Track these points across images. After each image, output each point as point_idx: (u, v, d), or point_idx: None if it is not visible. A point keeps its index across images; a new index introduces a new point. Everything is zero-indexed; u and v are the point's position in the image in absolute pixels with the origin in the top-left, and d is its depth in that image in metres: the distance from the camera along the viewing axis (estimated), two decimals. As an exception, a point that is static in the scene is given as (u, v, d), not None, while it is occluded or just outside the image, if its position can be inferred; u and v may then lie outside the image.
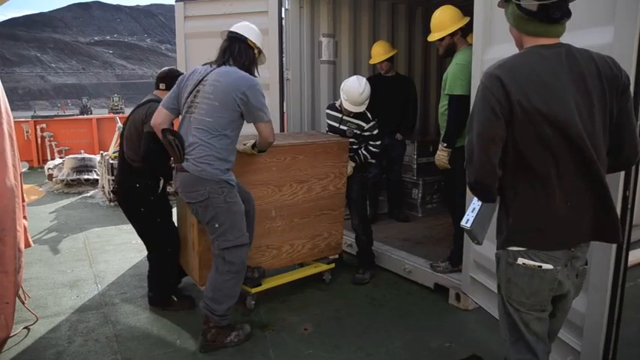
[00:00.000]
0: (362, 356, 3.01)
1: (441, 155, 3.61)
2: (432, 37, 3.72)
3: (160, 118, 3.01)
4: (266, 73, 4.95)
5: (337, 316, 3.54)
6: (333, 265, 4.11)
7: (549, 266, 1.78)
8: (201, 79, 2.95)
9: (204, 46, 5.03)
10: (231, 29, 3.09)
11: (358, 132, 4.04)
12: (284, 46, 5.10)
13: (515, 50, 1.89)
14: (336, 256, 4.19)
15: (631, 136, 1.78)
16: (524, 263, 1.81)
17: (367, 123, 4.03)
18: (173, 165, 3.03)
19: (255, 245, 3.52)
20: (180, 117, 3.05)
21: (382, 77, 5.13)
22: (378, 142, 4.11)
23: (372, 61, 5.15)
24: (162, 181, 3.45)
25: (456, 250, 3.67)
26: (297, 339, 3.22)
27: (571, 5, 1.77)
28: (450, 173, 3.64)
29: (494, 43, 3.15)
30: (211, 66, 3.01)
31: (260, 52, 3.15)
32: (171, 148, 2.91)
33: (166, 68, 3.71)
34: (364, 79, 3.97)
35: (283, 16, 5.09)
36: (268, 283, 3.69)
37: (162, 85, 3.49)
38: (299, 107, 5.42)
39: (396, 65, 6.23)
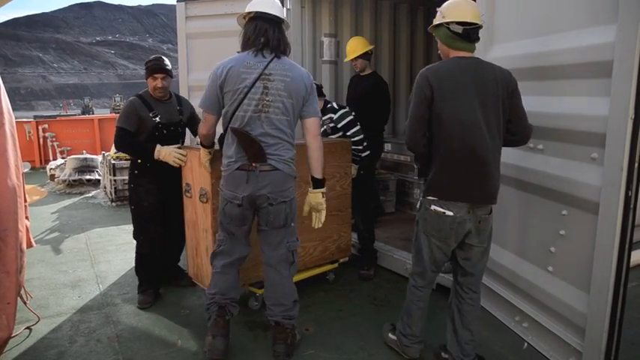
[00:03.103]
0: (364, 356, 3.01)
1: None
2: None
3: (211, 127, 2.89)
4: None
5: (339, 316, 3.54)
6: (336, 265, 4.11)
7: (450, 213, 2.50)
8: (262, 73, 2.70)
9: (205, 46, 5.07)
10: (269, 11, 2.76)
11: (333, 125, 4.09)
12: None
13: (517, 52, 2.81)
14: (346, 258, 4.18)
15: (522, 124, 2.52)
16: (434, 209, 2.54)
17: (335, 113, 4.09)
18: (254, 165, 2.75)
19: None
20: (240, 115, 2.74)
21: (360, 77, 4.71)
22: (355, 129, 4.06)
23: (346, 60, 4.72)
24: (145, 176, 3.61)
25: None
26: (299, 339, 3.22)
27: (573, 4, 2.43)
28: None
29: (497, 41, 3.15)
30: (264, 56, 2.73)
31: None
32: (255, 146, 2.72)
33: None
34: None
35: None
36: None
37: None
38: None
39: (398, 65, 6.24)
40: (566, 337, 2.63)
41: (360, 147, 4.08)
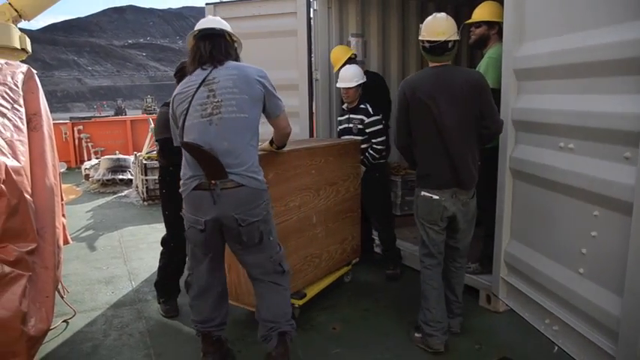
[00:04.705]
0: (389, 357, 3.01)
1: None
2: (469, 21, 3.81)
3: None
4: (295, 74, 4.99)
5: (365, 316, 3.54)
6: (351, 267, 4.11)
7: (437, 197, 2.92)
8: (204, 80, 2.53)
9: (234, 48, 5.13)
10: (203, 27, 2.67)
11: (361, 127, 4.11)
12: (312, 46, 5.12)
13: (547, 49, 2.88)
14: (357, 259, 4.18)
15: (493, 119, 2.90)
16: (423, 195, 2.97)
17: (368, 117, 4.10)
18: (214, 183, 2.47)
19: (301, 256, 3.42)
20: (189, 124, 2.53)
21: None
22: (381, 139, 4.11)
23: (335, 70, 4.72)
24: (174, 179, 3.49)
25: (487, 252, 3.62)
26: (326, 338, 3.24)
27: (597, 3, 2.51)
28: (485, 169, 3.55)
29: (527, 40, 3.10)
30: (203, 69, 2.58)
31: (238, 44, 2.78)
32: (212, 161, 2.45)
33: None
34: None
35: (312, 16, 5.11)
36: (311, 292, 3.55)
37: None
38: (327, 107, 5.42)
39: (426, 64, 6.16)
40: (598, 342, 2.57)
41: (377, 155, 4.12)
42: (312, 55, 5.11)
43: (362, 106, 4.15)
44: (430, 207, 2.95)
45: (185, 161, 2.59)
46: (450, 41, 2.88)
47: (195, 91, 2.52)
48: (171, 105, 2.70)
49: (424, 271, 3.09)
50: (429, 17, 2.99)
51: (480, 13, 3.77)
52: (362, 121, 4.11)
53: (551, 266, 2.93)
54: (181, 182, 2.61)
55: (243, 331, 3.28)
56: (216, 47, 2.61)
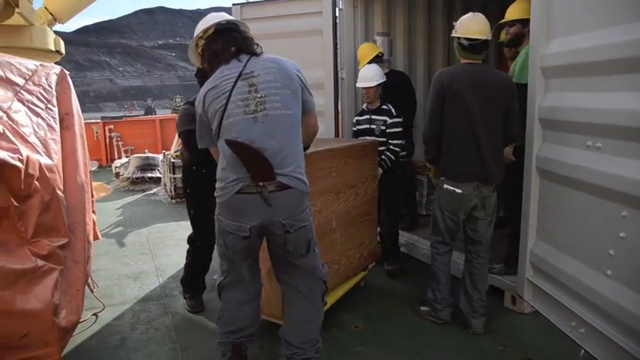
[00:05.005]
0: (411, 355, 3.00)
1: (506, 147, 3.52)
2: (503, 20, 3.81)
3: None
4: (321, 73, 5.01)
5: (388, 315, 3.54)
6: (367, 272, 4.05)
7: (460, 191, 3.05)
8: (241, 72, 2.31)
9: (262, 47, 5.18)
10: (221, 21, 2.46)
11: (383, 128, 4.11)
12: (338, 45, 5.13)
13: (575, 46, 2.82)
14: (373, 263, 4.13)
15: (515, 122, 3.09)
16: (446, 187, 3.11)
17: (391, 118, 4.10)
18: (261, 184, 2.26)
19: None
20: (229, 122, 2.30)
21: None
22: (399, 142, 4.12)
23: (360, 66, 4.61)
24: (197, 179, 3.54)
25: (512, 252, 3.57)
26: (349, 336, 3.26)
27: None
28: (513, 168, 3.50)
29: (554, 37, 3.04)
30: (239, 60, 2.37)
31: None
32: (260, 161, 2.24)
33: None
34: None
35: (337, 15, 5.12)
36: (331, 299, 3.44)
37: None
38: (353, 106, 5.43)
39: (453, 63, 6.11)
40: (626, 346, 2.51)
41: (394, 158, 4.11)
42: (338, 54, 5.12)
43: (384, 107, 4.14)
44: (452, 199, 3.09)
45: (226, 163, 2.32)
46: (487, 40, 3.03)
47: (233, 86, 2.29)
48: (201, 104, 2.40)
49: (436, 257, 3.30)
50: (468, 16, 3.08)
51: (513, 12, 3.75)
52: (385, 122, 4.10)
53: (578, 267, 2.87)
54: (219, 186, 2.37)
55: (264, 327, 3.32)
56: (243, 39, 2.44)
